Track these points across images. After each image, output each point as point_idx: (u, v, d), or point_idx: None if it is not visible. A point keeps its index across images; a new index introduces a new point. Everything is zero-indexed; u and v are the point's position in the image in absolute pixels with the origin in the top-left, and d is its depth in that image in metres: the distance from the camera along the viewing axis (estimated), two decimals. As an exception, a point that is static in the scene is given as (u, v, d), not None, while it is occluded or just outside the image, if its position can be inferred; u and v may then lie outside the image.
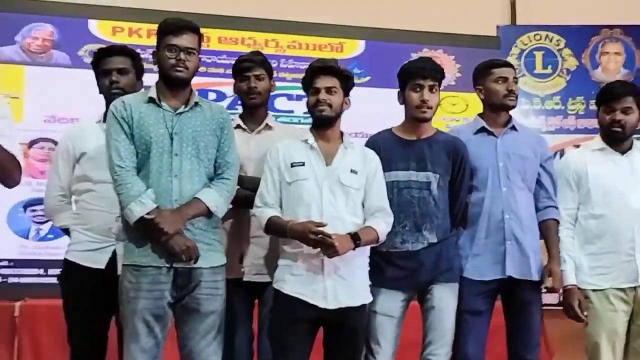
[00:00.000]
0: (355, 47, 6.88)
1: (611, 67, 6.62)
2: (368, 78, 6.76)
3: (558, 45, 6.61)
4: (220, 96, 6.44)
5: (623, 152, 3.81)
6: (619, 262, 3.67)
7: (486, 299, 3.69)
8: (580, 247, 3.76)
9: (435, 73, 3.59)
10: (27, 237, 5.76)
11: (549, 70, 6.62)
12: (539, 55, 6.62)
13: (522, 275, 3.66)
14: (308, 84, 3.47)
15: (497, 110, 3.83)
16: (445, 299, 3.47)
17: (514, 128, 3.91)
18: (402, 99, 3.65)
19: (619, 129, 3.76)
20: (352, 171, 3.34)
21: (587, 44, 6.63)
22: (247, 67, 3.78)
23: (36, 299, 5.37)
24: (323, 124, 3.43)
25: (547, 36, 6.63)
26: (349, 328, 3.27)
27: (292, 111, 6.76)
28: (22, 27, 5.97)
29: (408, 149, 3.56)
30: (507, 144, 3.79)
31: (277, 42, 6.89)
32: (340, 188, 3.29)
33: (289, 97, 6.76)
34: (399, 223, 3.44)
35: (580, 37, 6.67)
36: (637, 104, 3.77)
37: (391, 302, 3.46)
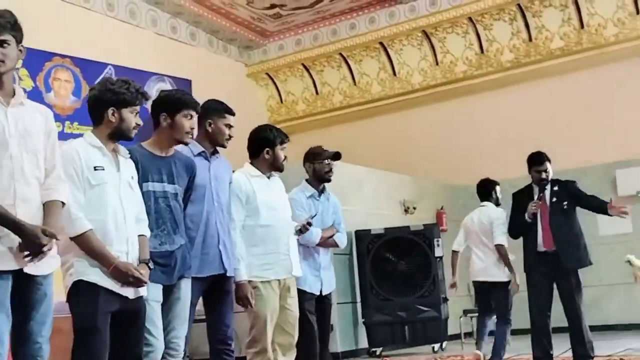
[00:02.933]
0: None
1: (62, 92, 7.89)
2: None
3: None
4: None
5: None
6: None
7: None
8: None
9: None
10: None
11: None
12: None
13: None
14: None
15: None
16: (188, 291, 4.01)
17: None
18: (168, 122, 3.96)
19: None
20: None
21: (42, 68, 7.73)
22: None
23: None
24: None
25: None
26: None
27: None
28: None
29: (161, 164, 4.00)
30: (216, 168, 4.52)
31: None
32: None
33: None
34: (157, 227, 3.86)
35: (36, 60, 7.69)
36: None
37: (156, 291, 4.23)
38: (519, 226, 6.37)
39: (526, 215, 6.20)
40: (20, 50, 3.00)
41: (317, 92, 12.86)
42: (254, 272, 4.43)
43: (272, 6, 11.45)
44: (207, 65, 11.53)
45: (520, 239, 6.42)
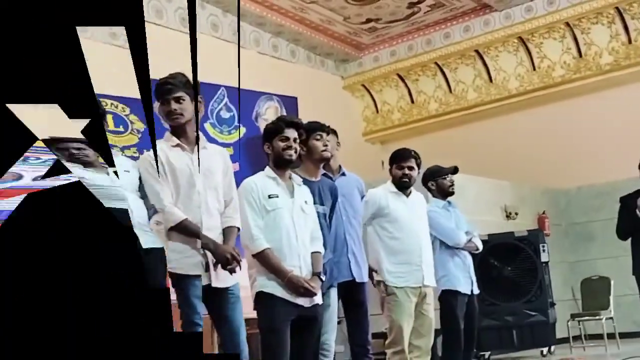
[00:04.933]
0: None
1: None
2: None
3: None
4: None
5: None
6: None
7: None
8: None
9: None
10: None
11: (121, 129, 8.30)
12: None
13: None
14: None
15: None
16: (335, 299, 4.68)
17: None
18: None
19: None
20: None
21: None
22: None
23: None
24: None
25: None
26: None
27: None
28: None
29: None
30: None
31: None
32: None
33: None
34: None
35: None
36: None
37: None
38: (630, 225, 6.58)
39: (637, 210, 6.44)
40: (199, 102, 3.72)
41: (412, 101, 13.11)
42: (391, 279, 4.90)
43: (368, 20, 11.81)
44: (306, 80, 11.95)
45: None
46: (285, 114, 9.66)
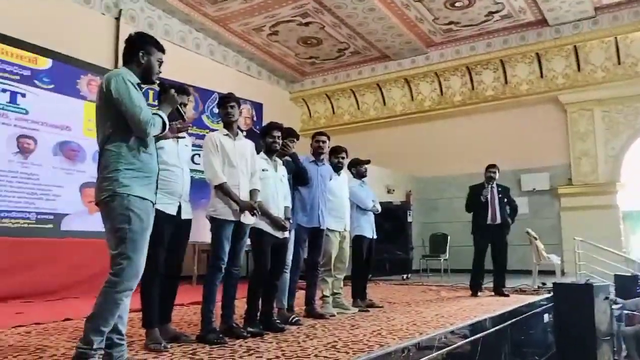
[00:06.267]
0: (45, 63, 7.12)
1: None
2: (52, 86, 7.14)
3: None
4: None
5: None
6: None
7: None
8: None
9: None
10: None
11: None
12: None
13: None
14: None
15: None
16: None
17: None
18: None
19: None
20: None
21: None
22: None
23: None
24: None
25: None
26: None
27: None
28: None
29: None
30: None
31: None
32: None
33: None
34: None
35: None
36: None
37: None
38: (473, 204, 6.64)
39: (481, 196, 6.53)
40: (240, 111, 3.93)
41: (333, 112, 13.23)
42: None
43: (310, 57, 11.89)
44: (267, 92, 11.96)
45: None
46: (254, 114, 9.87)
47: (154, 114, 2.70)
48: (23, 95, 6.83)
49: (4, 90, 6.65)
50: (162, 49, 2.88)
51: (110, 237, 2.60)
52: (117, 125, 2.62)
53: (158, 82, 2.91)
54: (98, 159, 2.70)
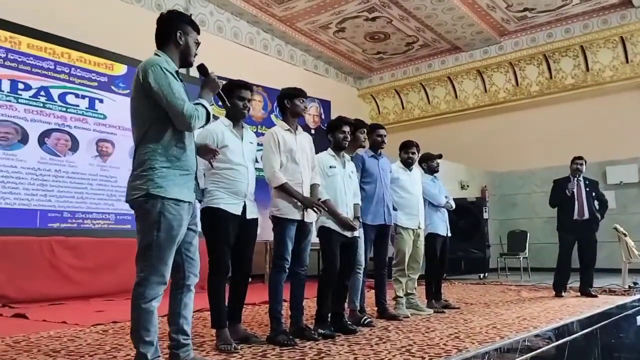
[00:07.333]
0: (120, 69, 7.32)
1: (257, 107, 8.74)
2: (128, 91, 7.33)
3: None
4: (27, 87, 6.51)
5: None
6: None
7: None
8: None
9: None
10: None
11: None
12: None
13: None
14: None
15: None
16: None
17: None
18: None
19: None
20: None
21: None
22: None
23: None
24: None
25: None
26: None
27: (77, 105, 6.89)
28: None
29: None
30: None
31: (69, 55, 6.87)
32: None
33: (76, 95, 6.88)
34: None
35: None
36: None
37: None
38: (558, 199, 6.33)
39: (567, 191, 6.19)
40: (305, 107, 3.79)
41: (403, 107, 13.02)
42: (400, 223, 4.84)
43: (378, 52, 11.80)
44: (335, 89, 11.93)
45: None
46: (322, 112, 9.80)
47: (195, 103, 2.48)
48: (101, 101, 7.11)
49: (83, 97, 6.96)
50: (197, 29, 2.64)
51: (138, 239, 2.43)
52: (155, 119, 2.40)
53: (197, 65, 2.69)
54: (133, 155, 2.49)
